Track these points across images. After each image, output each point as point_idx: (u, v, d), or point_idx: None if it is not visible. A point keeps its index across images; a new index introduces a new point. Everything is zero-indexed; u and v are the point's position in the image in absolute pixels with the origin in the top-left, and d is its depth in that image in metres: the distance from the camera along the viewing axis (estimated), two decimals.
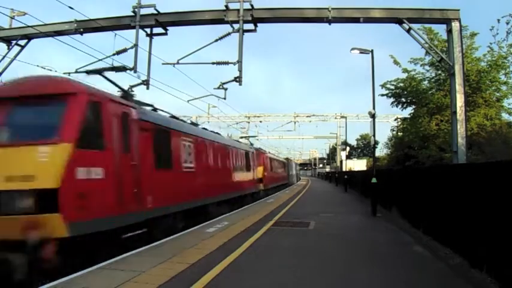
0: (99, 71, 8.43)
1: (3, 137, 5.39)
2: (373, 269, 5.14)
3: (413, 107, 19.73)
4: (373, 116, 12.21)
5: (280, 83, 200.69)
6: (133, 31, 11.57)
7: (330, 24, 11.18)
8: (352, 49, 12.47)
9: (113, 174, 6.03)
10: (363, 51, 12.37)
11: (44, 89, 5.70)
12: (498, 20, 9.02)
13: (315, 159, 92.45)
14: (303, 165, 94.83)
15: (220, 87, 12.26)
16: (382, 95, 19.80)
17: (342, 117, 39.70)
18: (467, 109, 11.69)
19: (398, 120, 23.60)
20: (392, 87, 19.36)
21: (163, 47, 61.23)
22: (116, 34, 11.72)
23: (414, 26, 10.96)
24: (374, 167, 12.28)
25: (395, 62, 18.50)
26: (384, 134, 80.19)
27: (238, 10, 11.03)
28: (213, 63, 11.66)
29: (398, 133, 24.16)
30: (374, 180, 11.20)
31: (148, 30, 11.95)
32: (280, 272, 4.99)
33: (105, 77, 8.08)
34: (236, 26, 11.14)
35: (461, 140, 10.18)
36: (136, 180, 6.67)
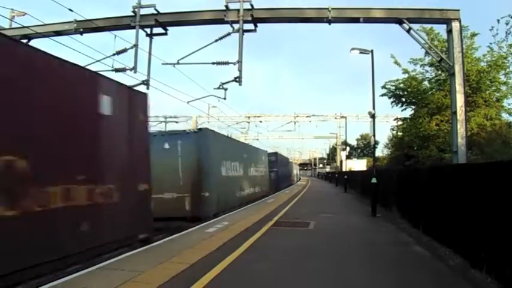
0: None
1: None
2: (373, 269, 5.14)
3: (414, 107, 19.74)
4: (373, 116, 12.22)
5: (280, 83, 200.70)
6: (133, 31, 11.58)
7: (330, 24, 11.19)
8: (352, 49, 12.47)
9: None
10: (362, 52, 12.37)
11: None
12: (498, 21, 9.04)
13: (315, 159, 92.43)
14: (303, 165, 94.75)
15: (220, 87, 12.27)
16: (383, 95, 19.81)
17: (342, 117, 39.69)
18: (467, 109, 11.69)
19: (398, 120, 23.61)
20: (393, 87, 19.36)
21: (164, 47, 61.17)
22: (115, 36, 11.76)
23: (414, 26, 10.97)
24: (374, 167, 12.28)
25: (396, 62, 18.53)
26: (383, 134, 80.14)
27: (238, 10, 11.03)
28: (213, 63, 11.67)
29: (398, 133, 24.16)
30: (374, 180, 11.19)
31: (148, 30, 11.96)
32: (280, 272, 4.99)
33: None
34: (236, 26, 11.14)
35: (461, 140, 10.18)
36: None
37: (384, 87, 19.47)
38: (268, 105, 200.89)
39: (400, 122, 22.93)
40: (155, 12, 11.39)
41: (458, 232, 5.36)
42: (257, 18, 11.31)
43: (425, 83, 18.61)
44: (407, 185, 8.97)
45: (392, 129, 28.66)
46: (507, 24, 8.91)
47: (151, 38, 12.03)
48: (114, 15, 12.08)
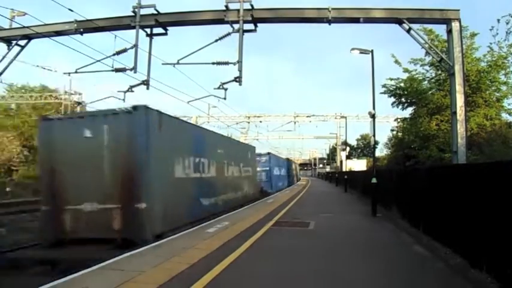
0: None
1: None
2: (374, 269, 5.15)
3: (414, 107, 19.76)
4: (373, 116, 12.21)
5: (281, 83, 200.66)
6: (133, 31, 11.57)
7: (330, 24, 11.18)
8: (352, 49, 12.45)
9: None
10: (362, 52, 12.35)
11: None
12: (498, 20, 9.03)
13: (315, 159, 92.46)
14: (303, 165, 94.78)
15: (220, 87, 12.26)
16: (383, 92, 19.82)
17: (342, 117, 39.68)
18: (467, 109, 11.69)
19: (398, 120, 23.62)
20: (393, 86, 19.37)
21: (164, 47, 61.17)
22: (116, 36, 11.76)
23: (414, 26, 10.97)
24: (374, 167, 12.28)
25: (396, 62, 18.53)
26: (384, 134, 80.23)
27: (238, 10, 11.02)
28: (213, 63, 11.66)
29: (398, 133, 24.18)
30: (374, 180, 11.20)
31: (148, 30, 11.95)
32: (280, 272, 5.00)
33: None
34: (236, 26, 11.14)
35: (461, 140, 10.18)
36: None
37: (384, 86, 19.48)
38: (268, 105, 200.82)
39: (400, 123, 22.94)
40: (155, 12, 11.39)
41: (458, 232, 5.36)
42: (257, 18, 11.31)
43: (425, 82, 18.63)
44: (407, 185, 8.97)
45: (393, 130, 28.70)
46: (507, 23, 8.90)
47: (151, 38, 12.02)
48: (114, 15, 12.08)
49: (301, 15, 11.50)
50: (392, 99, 19.92)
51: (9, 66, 13.06)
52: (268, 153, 26.27)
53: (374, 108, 12.14)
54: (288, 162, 39.85)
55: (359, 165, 47.27)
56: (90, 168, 7.79)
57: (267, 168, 24.76)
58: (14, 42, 12.87)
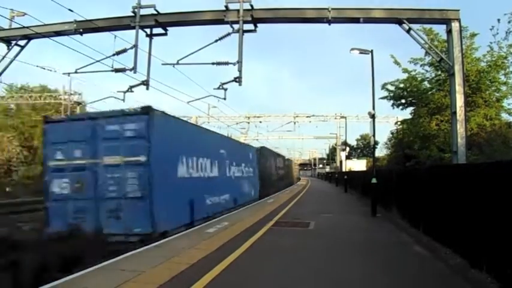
0: None
1: None
2: (374, 269, 5.15)
3: (414, 107, 19.77)
4: (372, 116, 12.22)
5: (280, 83, 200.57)
6: (133, 31, 11.56)
7: (329, 24, 11.17)
8: (352, 49, 12.46)
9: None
10: (362, 52, 12.35)
11: None
12: (498, 20, 9.03)
13: (314, 159, 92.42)
14: (303, 165, 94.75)
15: (220, 87, 12.24)
16: (383, 97, 19.82)
17: (342, 117, 39.63)
18: (467, 109, 11.68)
19: (399, 123, 23.68)
20: (393, 88, 19.37)
21: (163, 47, 61.13)
22: (115, 36, 11.75)
23: (414, 26, 10.97)
24: (374, 167, 12.28)
25: (396, 62, 18.52)
26: (383, 134, 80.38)
27: (238, 10, 11.01)
28: (213, 63, 11.65)
29: (398, 136, 24.21)
30: (374, 180, 11.20)
31: (148, 30, 11.93)
32: (280, 272, 5.00)
33: None
34: (236, 26, 11.13)
35: (461, 140, 10.17)
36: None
37: (383, 87, 19.47)
38: (268, 105, 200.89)
39: (399, 125, 22.98)
40: (155, 12, 11.37)
41: (458, 232, 5.36)
42: (257, 18, 11.29)
43: (425, 83, 18.63)
44: (407, 185, 8.98)
45: (392, 133, 28.74)
46: (510, 22, 8.87)
47: (151, 38, 12.00)
48: (114, 15, 12.07)
49: (301, 16, 11.49)
50: (392, 101, 19.95)
51: (9, 66, 13.06)
52: (146, 111, 7.70)
53: (374, 108, 12.15)
54: (265, 152, 22.41)
55: (359, 165, 47.15)
56: None
57: (141, 159, 7.53)
58: (14, 42, 12.86)
